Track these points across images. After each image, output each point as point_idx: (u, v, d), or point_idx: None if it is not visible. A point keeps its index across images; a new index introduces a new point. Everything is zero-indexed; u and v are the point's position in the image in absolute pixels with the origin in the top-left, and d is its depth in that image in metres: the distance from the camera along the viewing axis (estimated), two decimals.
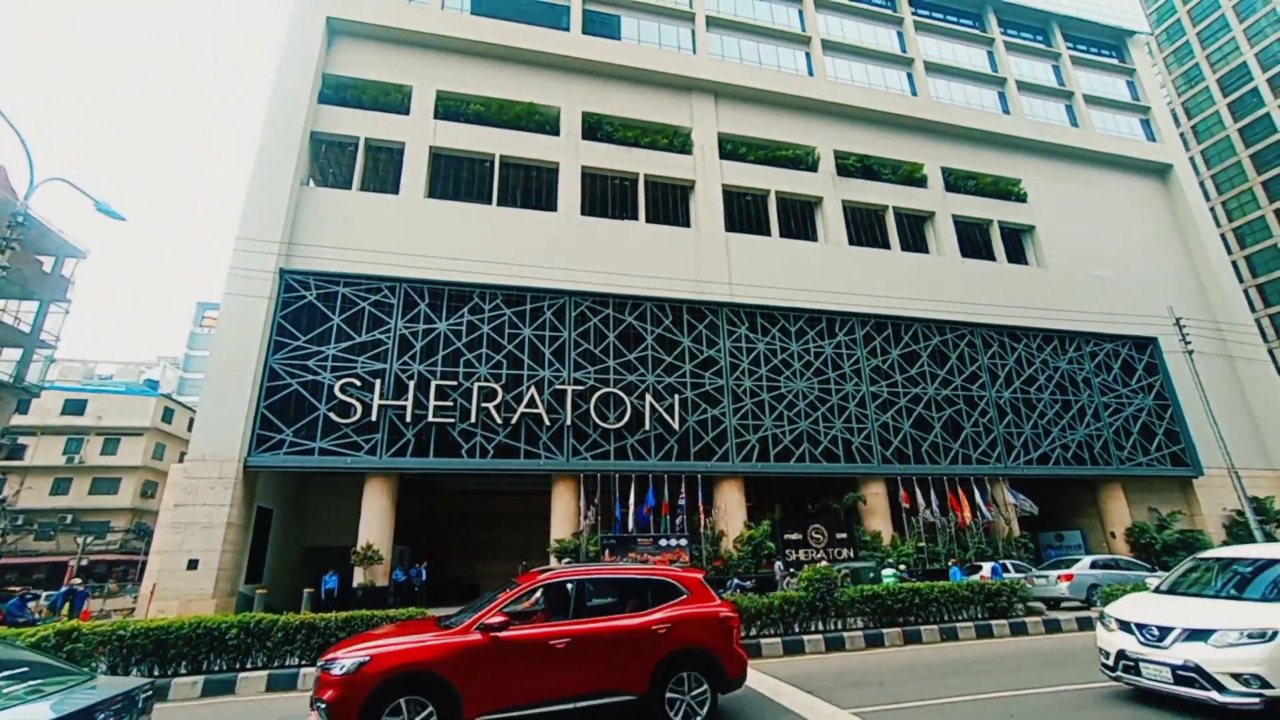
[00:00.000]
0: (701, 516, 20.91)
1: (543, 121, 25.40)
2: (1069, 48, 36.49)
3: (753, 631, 11.46)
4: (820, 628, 11.94)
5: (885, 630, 11.72)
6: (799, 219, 27.82)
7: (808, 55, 30.60)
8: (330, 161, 25.50)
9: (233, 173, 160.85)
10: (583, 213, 24.31)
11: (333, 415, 18.80)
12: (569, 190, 24.38)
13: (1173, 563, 21.88)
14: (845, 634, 11.46)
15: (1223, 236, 49.97)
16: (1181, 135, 52.04)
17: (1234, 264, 47.25)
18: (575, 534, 19.96)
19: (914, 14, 33.78)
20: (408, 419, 19.13)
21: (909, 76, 32.12)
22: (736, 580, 18.17)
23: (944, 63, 33.08)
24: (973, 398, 25.26)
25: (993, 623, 12.39)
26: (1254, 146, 52.91)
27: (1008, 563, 20.10)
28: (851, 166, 28.85)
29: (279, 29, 23.82)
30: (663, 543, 19.56)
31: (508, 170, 24.73)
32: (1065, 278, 29.57)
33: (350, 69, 24.21)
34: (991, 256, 29.45)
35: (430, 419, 19.28)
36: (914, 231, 29.23)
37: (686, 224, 25.81)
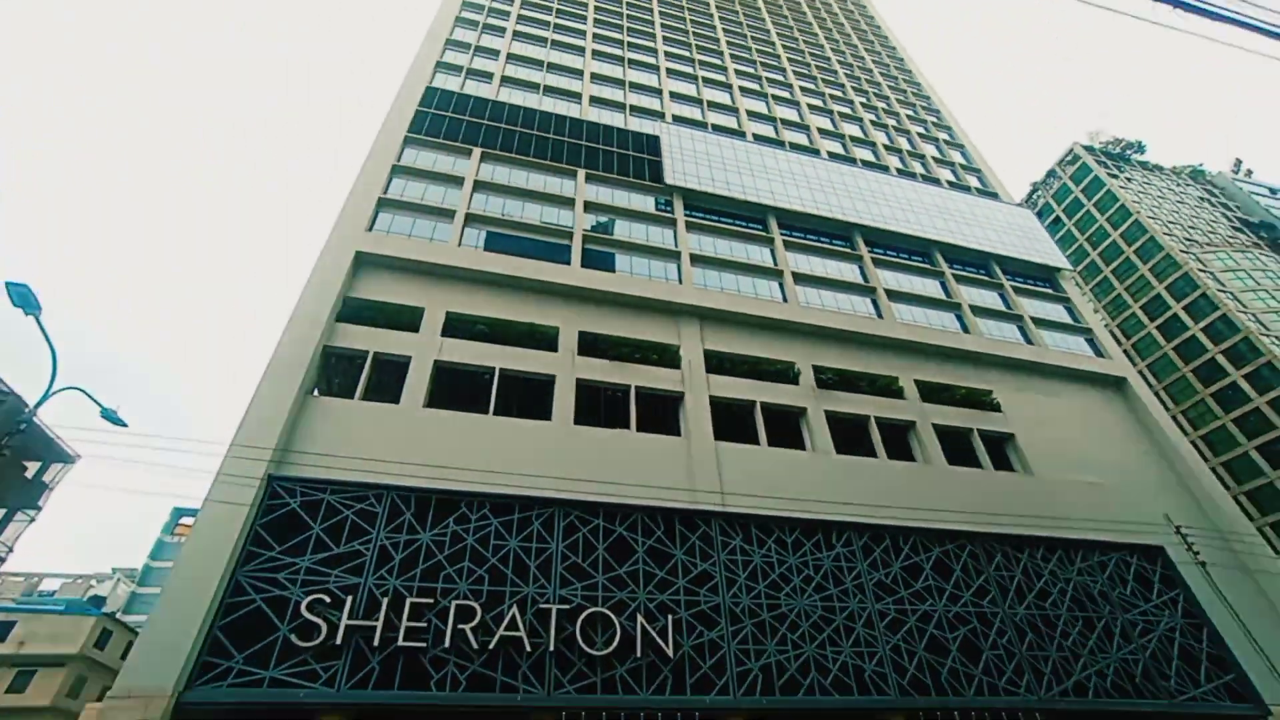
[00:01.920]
0: None
1: (542, 339, 27.53)
2: (1009, 279, 41.56)
3: None
4: None
5: None
6: (786, 428, 28.74)
7: (781, 284, 34.53)
8: (337, 371, 26.87)
9: (238, 375, 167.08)
10: (576, 422, 25.07)
11: (294, 637, 17.05)
12: (563, 400, 25.46)
13: None
14: None
15: (1194, 444, 51.59)
16: (1125, 351, 56.80)
17: (1214, 470, 48.03)
18: None
19: (871, 252, 39.01)
20: (376, 642, 17.35)
21: (873, 302, 35.92)
22: None
23: (902, 290, 37.29)
24: (985, 615, 23.59)
25: None
26: (1192, 364, 57.48)
27: None
28: (830, 380, 30.72)
29: (309, 257, 27.16)
30: None
31: (506, 382, 26.06)
32: (1056, 484, 29.72)
33: (371, 293, 26.84)
34: (978, 464, 29.92)
35: (400, 643, 17.50)
36: (898, 441, 30.06)
37: (677, 433, 26.51)
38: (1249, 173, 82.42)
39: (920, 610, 22.97)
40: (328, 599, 17.76)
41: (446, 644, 17.80)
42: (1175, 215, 67.31)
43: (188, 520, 43.51)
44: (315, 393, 24.32)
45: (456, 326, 26.90)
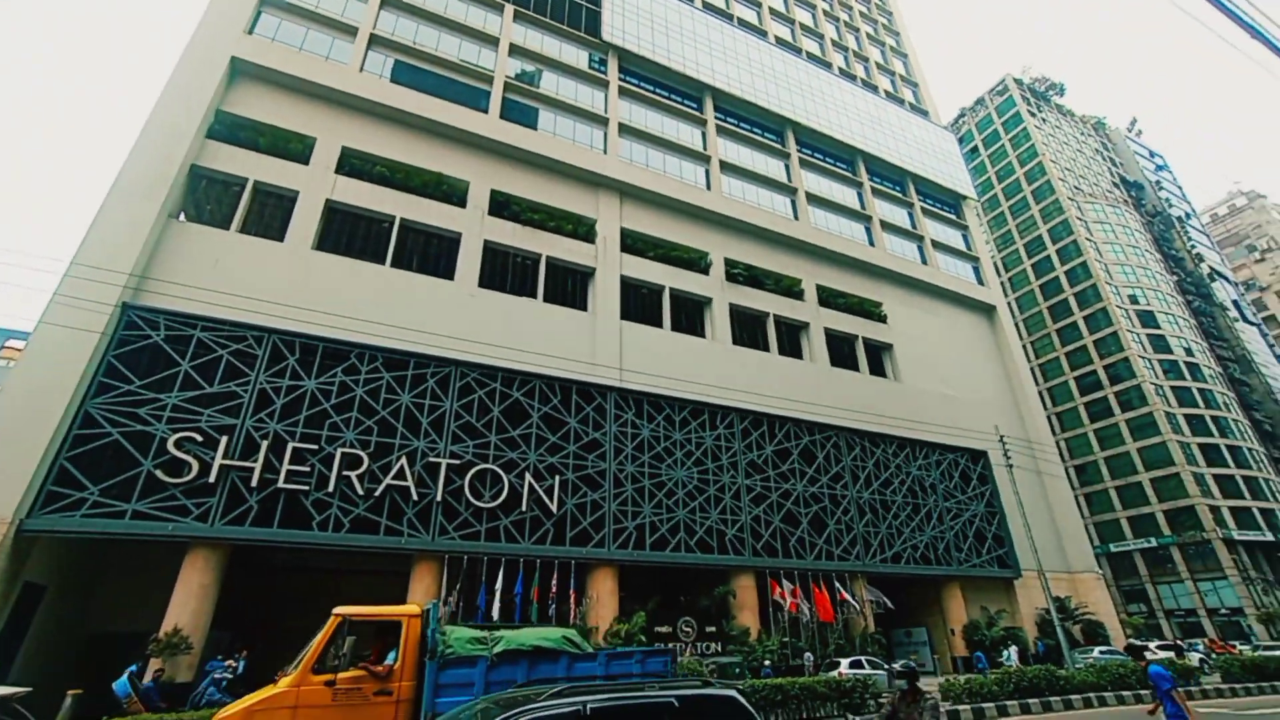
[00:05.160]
0: (573, 606, 19.98)
1: (450, 192, 25.59)
2: (920, 199, 43.29)
3: None
4: None
5: None
6: (690, 316, 29.53)
7: (707, 171, 33.81)
8: (210, 198, 23.73)
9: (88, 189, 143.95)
10: (480, 284, 24.21)
11: (160, 473, 16.31)
12: (469, 261, 24.33)
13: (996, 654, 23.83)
14: None
15: (1033, 370, 59.17)
16: (1002, 283, 62.40)
17: (1040, 394, 55.81)
18: None
19: (799, 151, 38.77)
20: (254, 483, 17.03)
21: (792, 203, 36.32)
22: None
23: (822, 195, 37.86)
24: (836, 496, 27.00)
25: (848, 718, 12.66)
26: (1050, 300, 64.58)
27: (863, 659, 20.87)
28: (739, 274, 31.45)
29: (174, 56, 22.57)
30: None
31: (407, 234, 24.34)
32: (918, 392, 33.37)
33: (250, 110, 23.27)
34: (856, 367, 32.72)
35: (281, 485, 17.29)
36: (791, 339, 31.97)
37: (584, 308, 26.46)
38: (1139, 133, 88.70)
39: (783, 488, 25.81)
40: (199, 437, 16.93)
41: (330, 489, 17.84)
42: (1072, 163, 71.96)
43: (16, 343, 38.66)
44: (182, 218, 21.50)
45: (353, 165, 24.26)
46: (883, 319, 35.35)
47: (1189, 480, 50.72)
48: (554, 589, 19.61)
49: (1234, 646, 33.16)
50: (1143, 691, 16.02)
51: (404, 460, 19.07)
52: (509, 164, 27.75)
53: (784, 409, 27.32)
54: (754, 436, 26.32)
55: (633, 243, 29.14)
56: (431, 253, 24.91)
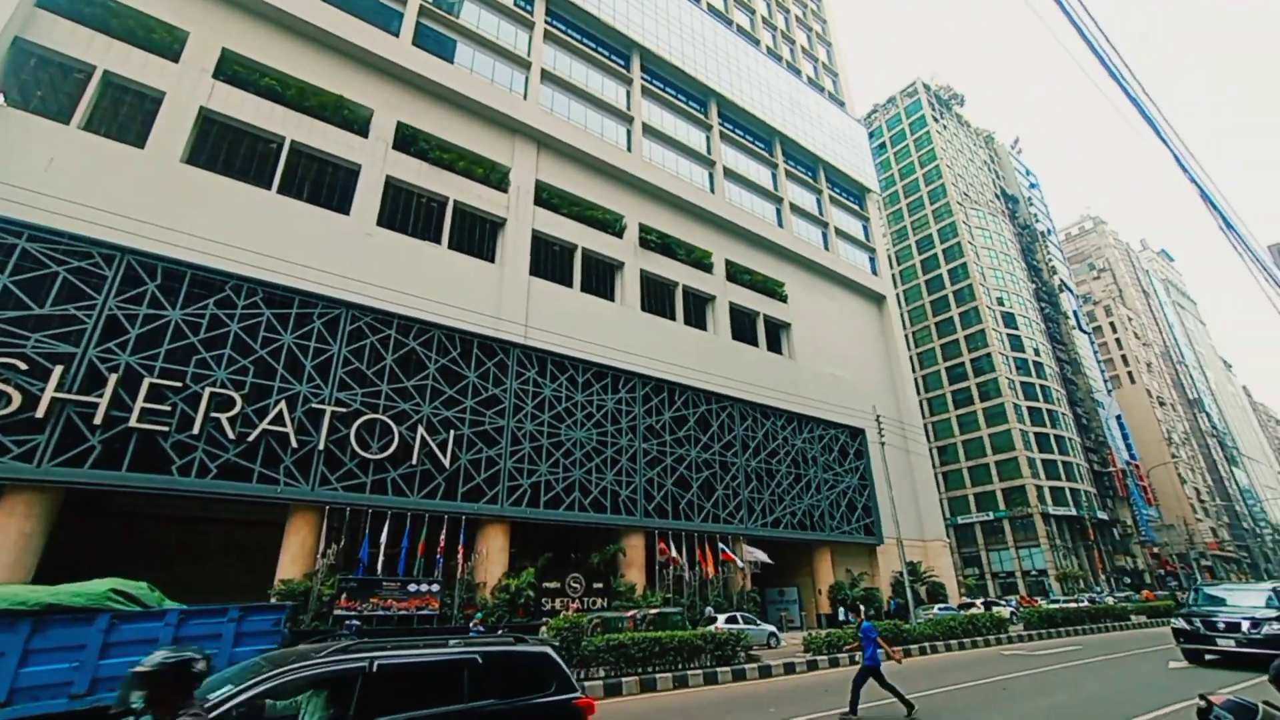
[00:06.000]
0: (461, 561, 19.71)
1: (351, 119, 23.42)
2: (829, 188, 45.24)
3: None
4: None
5: (624, 679, 12.06)
6: (600, 278, 29.29)
7: (629, 133, 33.26)
8: (41, 84, 20.10)
9: None
10: (379, 223, 22.57)
11: None
12: (368, 196, 22.54)
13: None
14: (587, 683, 11.51)
15: (911, 358, 64.65)
16: (893, 275, 67.13)
17: (915, 380, 61.13)
18: (308, 574, 17.31)
19: (721, 125, 39.04)
20: (98, 420, 15.09)
21: (710, 176, 36.69)
22: (480, 629, 17.28)
23: (739, 172, 38.53)
24: (726, 463, 28.32)
25: (718, 669, 13.53)
26: (933, 295, 70.42)
27: (738, 615, 22.34)
28: (652, 241, 31.52)
29: None
30: (411, 588, 17.92)
31: (298, 159, 22.09)
32: (809, 371, 35.43)
33: None
34: (756, 343, 34.12)
35: (134, 424, 15.47)
36: (698, 310, 32.69)
37: (491, 259, 25.47)
38: (1020, 151, 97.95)
39: (677, 454, 26.67)
40: (23, 365, 14.67)
41: (196, 430, 16.20)
42: (964, 170, 78.12)
43: None
44: (1, 100, 18.10)
45: (236, 72, 21.49)
46: (784, 299, 36.97)
47: (1024, 463, 58.07)
48: (442, 544, 19.21)
49: (1036, 601, 38.96)
50: (965, 640, 18.54)
51: (283, 405, 17.66)
52: (420, 96, 25.76)
53: (685, 377, 28.05)
54: (654, 402, 26.87)
55: (548, 197, 28.27)
56: (326, 183, 22.82)
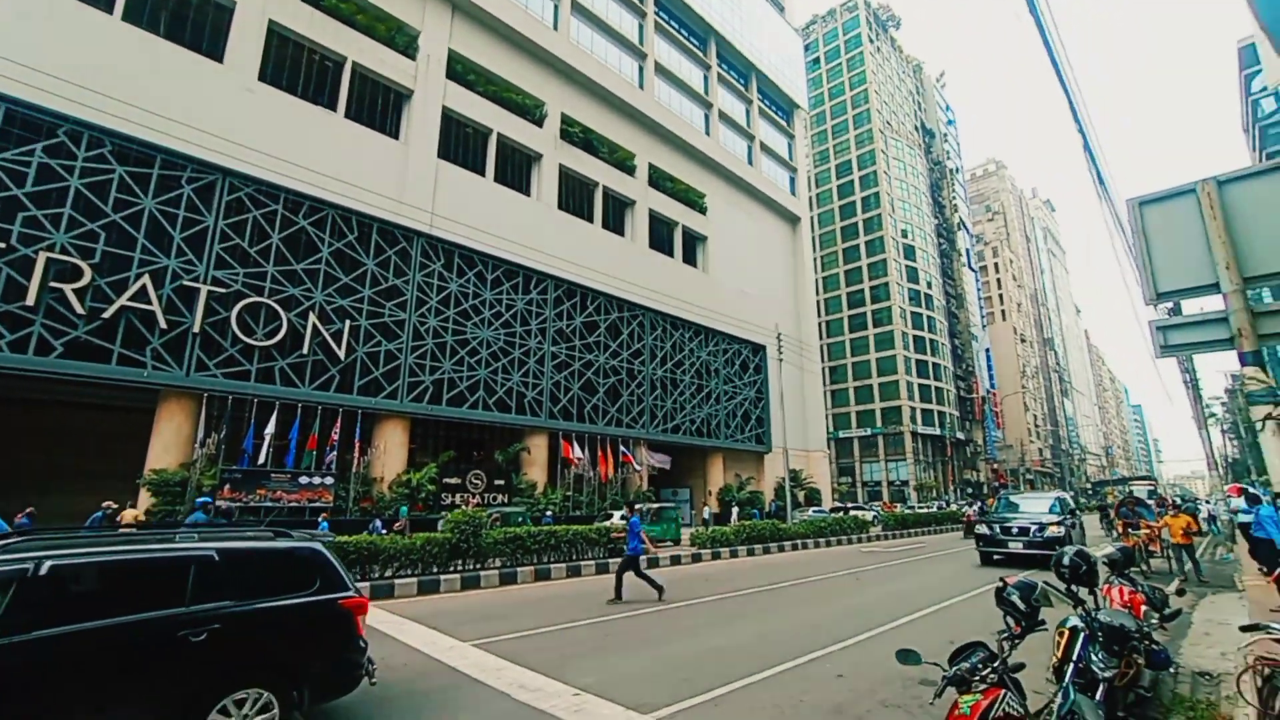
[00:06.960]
0: (356, 455, 19.31)
1: None
2: (759, 99, 44.22)
3: (389, 573, 11.11)
4: (460, 568, 12.24)
5: (519, 569, 12.66)
6: (516, 169, 27.59)
7: (556, 8, 30.30)
8: None
9: None
10: (261, 78, 19.63)
11: None
12: (246, 41, 19.38)
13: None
14: (482, 573, 11.99)
15: (817, 281, 67.58)
16: (810, 198, 68.35)
17: (818, 303, 64.34)
18: (185, 464, 16.34)
19: (656, 14, 36.41)
20: None
21: (640, 70, 34.61)
22: (379, 522, 17.36)
23: (670, 69, 36.60)
24: (633, 370, 29.00)
25: (610, 561, 14.51)
26: (844, 221, 72.85)
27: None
28: (575, 135, 29.80)
29: None
30: (303, 480, 17.45)
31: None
32: (720, 285, 36.14)
33: None
34: (672, 254, 34.09)
35: None
36: (616, 214, 31.88)
37: (395, 135, 23.15)
38: (944, 85, 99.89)
39: (586, 359, 26.89)
40: None
41: (31, 301, 14.17)
42: (890, 99, 78.81)
43: None
44: None
45: None
46: (704, 211, 36.80)
47: (903, 387, 64.04)
48: (334, 437, 18.62)
49: (895, 506, 44.59)
50: (833, 538, 21.02)
51: (147, 279, 15.74)
52: None
53: (600, 283, 27.78)
54: (566, 306, 26.56)
55: (462, 71, 25.63)
56: (194, 21, 19.29)
